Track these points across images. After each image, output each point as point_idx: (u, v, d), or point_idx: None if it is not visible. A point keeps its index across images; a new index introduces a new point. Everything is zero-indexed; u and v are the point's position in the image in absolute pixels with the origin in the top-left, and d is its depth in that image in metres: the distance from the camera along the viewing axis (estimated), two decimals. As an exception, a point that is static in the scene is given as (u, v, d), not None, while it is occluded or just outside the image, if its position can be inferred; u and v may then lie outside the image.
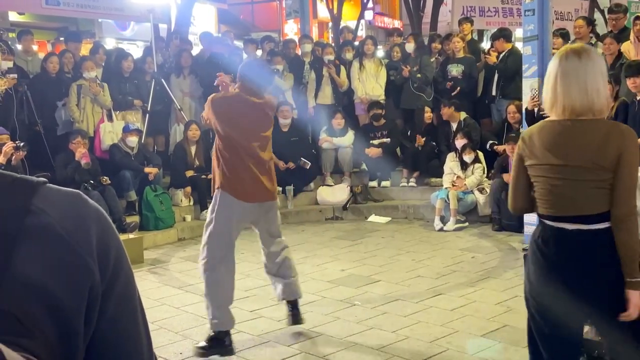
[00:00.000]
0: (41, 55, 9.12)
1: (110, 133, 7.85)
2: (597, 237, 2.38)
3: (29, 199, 0.83)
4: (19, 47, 8.94)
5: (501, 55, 8.64)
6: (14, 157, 6.18)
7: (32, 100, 7.61)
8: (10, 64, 7.43)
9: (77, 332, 0.85)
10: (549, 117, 6.55)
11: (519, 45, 8.29)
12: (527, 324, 2.62)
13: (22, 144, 6.31)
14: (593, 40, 7.96)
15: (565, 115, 2.42)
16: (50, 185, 0.88)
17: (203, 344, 4.12)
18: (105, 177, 7.27)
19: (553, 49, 7.53)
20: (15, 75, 7.36)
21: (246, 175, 4.16)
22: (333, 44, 11.87)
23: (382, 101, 9.16)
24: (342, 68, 9.34)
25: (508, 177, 7.47)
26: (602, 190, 2.38)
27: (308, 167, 8.70)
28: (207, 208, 7.90)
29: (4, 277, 0.78)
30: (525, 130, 2.57)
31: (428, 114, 8.79)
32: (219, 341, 4.09)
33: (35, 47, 10.05)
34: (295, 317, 4.46)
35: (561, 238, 2.42)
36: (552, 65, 2.48)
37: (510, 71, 8.19)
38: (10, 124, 7.19)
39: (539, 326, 2.53)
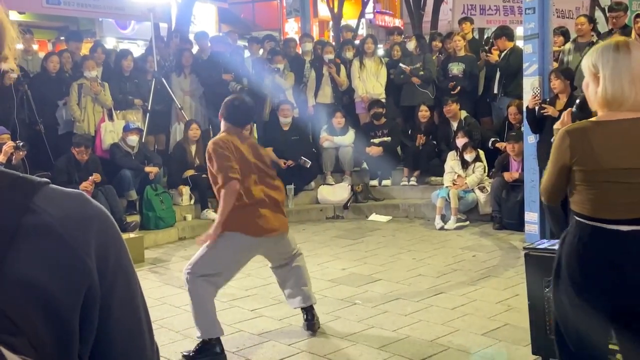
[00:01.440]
0: (41, 54, 9.11)
1: (111, 132, 7.85)
2: None
3: (30, 198, 0.84)
4: (20, 46, 8.93)
5: (503, 54, 8.63)
6: (14, 156, 6.18)
7: (33, 99, 7.61)
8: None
9: (73, 332, 0.85)
10: (548, 113, 6.43)
11: (519, 43, 8.27)
12: (553, 330, 2.55)
13: (21, 143, 6.31)
14: (594, 39, 7.94)
15: (620, 111, 2.32)
16: (53, 185, 0.88)
17: (190, 352, 4.06)
18: (97, 174, 7.21)
19: (554, 47, 7.54)
20: (16, 75, 7.36)
21: (261, 209, 4.10)
22: (334, 43, 11.87)
23: (382, 100, 9.15)
24: (342, 67, 9.34)
25: (509, 176, 7.48)
26: None
27: (308, 166, 8.70)
28: (207, 207, 7.96)
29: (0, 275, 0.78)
30: (570, 130, 2.41)
31: (425, 113, 8.76)
32: (209, 349, 4.02)
33: (35, 47, 10.06)
34: (309, 323, 4.44)
35: (617, 240, 2.35)
36: (598, 59, 2.36)
37: (512, 69, 8.18)
38: (11, 124, 7.19)
39: (574, 330, 2.47)
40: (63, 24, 14.92)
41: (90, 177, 7.12)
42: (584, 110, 2.82)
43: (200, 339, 4.04)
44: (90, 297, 0.87)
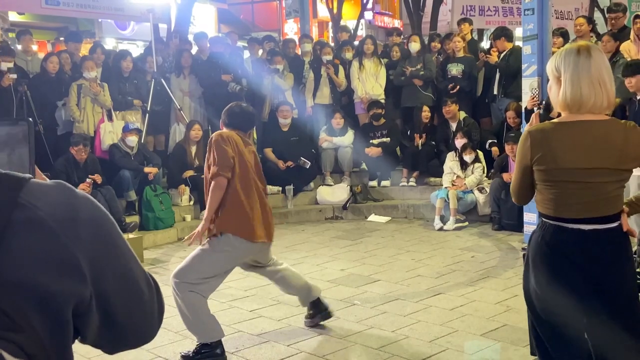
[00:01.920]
0: (41, 55, 9.12)
1: (110, 133, 7.85)
2: (611, 235, 2.41)
3: (17, 193, 0.85)
4: (19, 47, 8.94)
5: (502, 54, 8.63)
6: (13, 157, 6.17)
7: (32, 100, 7.61)
8: (10, 65, 7.43)
9: (67, 321, 0.88)
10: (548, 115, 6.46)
11: (518, 44, 8.28)
12: (530, 327, 2.61)
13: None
14: (593, 40, 7.96)
15: (581, 113, 2.38)
16: (35, 179, 0.90)
17: (189, 352, 4.03)
18: (97, 175, 7.23)
19: (553, 48, 7.54)
20: (15, 75, 7.37)
21: (258, 214, 4.08)
22: (333, 44, 11.87)
23: (382, 101, 9.16)
24: (341, 68, 9.34)
25: (508, 177, 7.48)
26: (621, 189, 2.44)
27: (308, 167, 8.71)
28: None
29: None
30: (531, 131, 2.46)
31: (427, 114, 8.78)
32: (210, 351, 3.98)
33: (35, 47, 10.06)
34: (320, 314, 4.50)
35: (578, 239, 2.40)
36: (561, 63, 2.42)
37: (512, 70, 8.18)
38: (10, 124, 7.18)
39: (547, 326, 2.52)
40: (62, 25, 14.92)
41: (88, 178, 7.12)
42: (550, 111, 2.87)
43: (200, 342, 4.02)
44: (83, 286, 0.90)
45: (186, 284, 3.99)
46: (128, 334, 1.02)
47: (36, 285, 0.84)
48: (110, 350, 1.04)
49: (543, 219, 2.51)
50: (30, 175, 0.90)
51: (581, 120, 2.39)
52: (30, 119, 1.07)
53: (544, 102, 3.30)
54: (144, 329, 1.04)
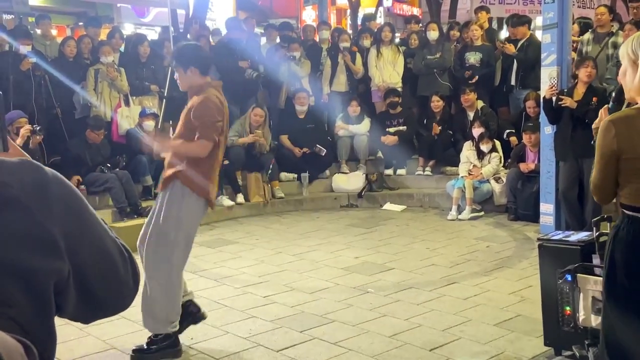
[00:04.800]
0: (59, 39, 9.16)
1: (127, 118, 7.89)
2: None
3: None
4: (38, 31, 8.99)
5: (519, 44, 8.53)
6: (31, 140, 6.23)
7: (51, 84, 7.66)
8: (28, 48, 7.48)
9: (49, 298, 0.89)
10: (565, 105, 6.35)
11: (538, 34, 8.18)
12: (606, 330, 2.49)
13: (38, 127, 6.36)
14: (614, 29, 7.84)
15: None
16: (0, 157, 0.91)
17: (142, 345, 3.92)
18: (123, 156, 7.34)
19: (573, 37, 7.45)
20: (34, 59, 7.42)
21: (215, 179, 4.01)
22: (351, 31, 11.81)
23: (399, 89, 9.11)
24: (358, 55, 9.29)
25: (525, 167, 7.43)
26: None
27: (323, 154, 8.70)
28: (222, 193, 7.99)
29: None
30: (614, 120, 2.38)
31: (437, 103, 8.69)
32: (171, 341, 3.90)
33: (54, 32, 10.11)
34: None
35: None
36: (638, 46, 2.33)
37: (530, 61, 8.09)
38: (29, 108, 7.24)
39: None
40: (81, 10, 14.98)
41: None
42: (621, 103, 2.78)
43: (159, 333, 3.89)
44: (61, 267, 0.91)
45: (178, 266, 3.96)
46: (104, 304, 1.04)
47: (16, 262, 0.85)
48: (87, 321, 1.07)
49: (631, 212, 2.39)
50: None
51: None
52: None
53: (613, 94, 3.17)
54: (120, 297, 1.06)
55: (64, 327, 4.10)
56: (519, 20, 8.79)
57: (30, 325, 0.84)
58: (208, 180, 3.89)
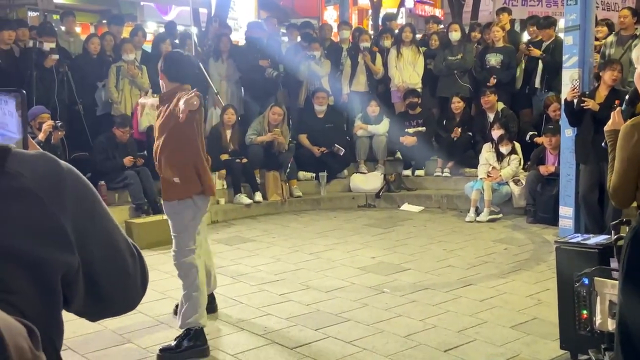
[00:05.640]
0: (83, 37, 9.27)
1: (147, 115, 7.94)
2: None
3: (3, 162, 0.87)
4: (62, 28, 9.10)
5: (544, 46, 8.45)
6: (53, 136, 6.32)
7: (73, 80, 7.75)
8: (52, 45, 7.58)
9: (56, 289, 0.90)
10: (588, 107, 6.29)
11: (561, 36, 8.11)
12: (618, 328, 2.47)
13: (60, 123, 6.45)
14: (638, 31, 7.74)
15: None
16: (18, 149, 0.92)
17: (169, 344, 3.95)
18: (140, 159, 7.41)
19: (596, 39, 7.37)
20: (57, 56, 7.51)
21: (207, 170, 4.14)
22: (372, 32, 11.78)
23: (418, 89, 9.08)
24: (378, 55, 9.29)
25: (545, 169, 7.37)
26: None
27: (342, 154, 8.70)
28: (240, 191, 8.03)
29: None
30: (637, 124, 2.39)
31: (458, 104, 8.64)
32: (199, 340, 3.94)
33: (78, 30, 10.22)
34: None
35: None
36: None
37: (556, 63, 8.00)
38: (51, 104, 7.34)
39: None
40: (105, 8, 15.14)
41: (139, 155, 7.43)
42: (635, 105, 2.75)
43: (189, 329, 3.95)
44: (70, 260, 0.92)
45: (194, 259, 4.09)
46: (111, 302, 1.04)
47: (25, 252, 0.85)
48: (93, 318, 1.07)
49: None
50: (14, 145, 0.92)
51: None
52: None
53: (627, 97, 3.14)
54: (128, 297, 1.06)
55: (81, 321, 4.17)
56: (546, 22, 8.70)
57: (33, 314, 0.84)
58: (200, 174, 4.01)
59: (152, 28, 14.64)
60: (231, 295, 4.95)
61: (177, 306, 4.28)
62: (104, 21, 12.69)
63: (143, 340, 4.13)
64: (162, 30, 12.28)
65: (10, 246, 0.85)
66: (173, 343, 3.93)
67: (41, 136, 6.21)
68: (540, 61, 8.43)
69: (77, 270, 0.93)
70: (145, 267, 1.10)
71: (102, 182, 7.10)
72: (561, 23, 9.59)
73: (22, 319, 0.68)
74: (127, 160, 7.26)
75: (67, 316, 0.96)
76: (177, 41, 9.07)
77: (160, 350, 3.90)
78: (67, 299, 0.94)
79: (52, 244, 0.89)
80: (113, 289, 1.02)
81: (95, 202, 0.99)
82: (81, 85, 7.90)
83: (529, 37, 9.26)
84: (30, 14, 12.98)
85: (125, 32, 9.64)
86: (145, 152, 7.60)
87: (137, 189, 7.16)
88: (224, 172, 8.11)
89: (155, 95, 8.23)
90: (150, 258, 5.75)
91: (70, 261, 0.92)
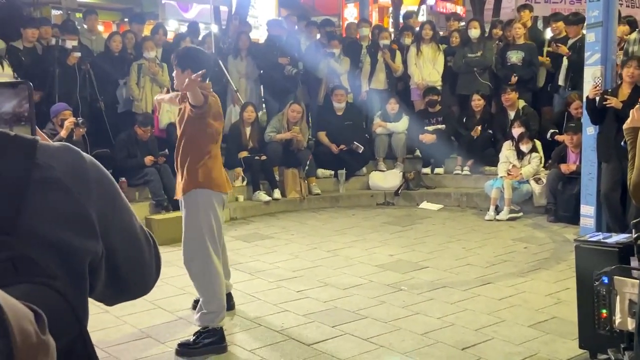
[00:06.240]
0: (105, 35, 9.36)
1: (168, 112, 8.00)
2: None
3: (33, 154, 0.90)
4: (84, 26, 9.19)
5: (569, 44, 8.35)
6: (74, 132, 6.39)
7: (95, 78, 7.83)
8: (75, 43, 7.66)
9: (85, 276, 0.93)
10: (610, 105, 6.24)
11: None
12: (638, 328, 2.44)
13: (81, 120, 6.52)
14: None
15: None
16: (43, 142, 0.96)
17: (188, 340, 3.96)
18: (162, 157, 7.47)
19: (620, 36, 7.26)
20: (79, 54, 7.59)
21: (220, 165, 4.17)
22: (392, 29, 11.74)
23: (438, 87, 9.04)
24: (398, 53, 9.25)
25: (566, 168, 7.30)
26: None
27: (361, 152, 8.69)
28: (259, 189, 8.06)
29: (17, 225, 0.85)
30: None
31: (478, 102, 8.58)
32: (217, 337, 3.94)
33: (101, 28, 10.32)
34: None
35: None
36: None
37: (582, 62, 7.90)
38: (74, 101, 7.42)
39: None
40: (127, 6, 15.25)
41: (160, 154, 7.47)
42: None
43: (209, 327, 3.95)
44: (96, 247, 0.96)
45: (211, 254, 4.09)
46: (129, 287, 1.09)
47: (58, 239, 0.89)
48: (111, 303, 1.12)
49: None
50: (38, 137, 0.95)
51: None
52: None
53: None
54: (144, 282, 1.11)
55: (101, 315, 4.22)
56: (575, 19, 8.58)
57: (73, 299, 0.89)
58: (214, 172, 4.04)
59: (173, 26, 14.72)
60: (249, 292, 4.97)
61: (195, 301, 4.31)
62: (126, 20, 12.79)
63: (162, 335, 4.16)
64: (183, 28, 12.38)
65: (49, 234, 0.88)
66: (191, 338, 3.96)
67: (63, 133, 6.28)
68: (565, 58, 8.33)
69: (101, 258, 0.97)
70: (159, 254, 1.14)
71: (123, 179, 7.16)
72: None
73: (29, 304, 0.69)
74: (148, 160, 7.31)
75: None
76: (199, 38, 9.12)
77: (179, 345, 3.93)
78: (91, 285, 0.98)
79: (82, 232, 0.93)
80: (131, 275, 1.07)
81: (116, 192, 1.04)
82: (102, 82, 7.98)
83: (552, 34, 9.15)
84: (54, 12, 13.13)
85: (147, 30, 9.72)
86: (167, 150, 7.65)
87: (157, 186, 7.22)
88: (240, 169, 8.12)
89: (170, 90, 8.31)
90: (170, 254, 5.78)
91: (96, 249, 0.95)
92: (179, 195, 4.12)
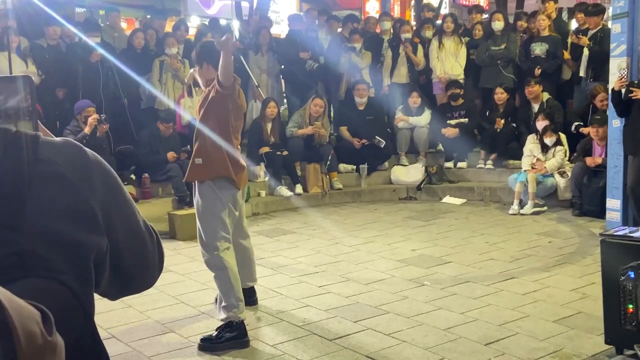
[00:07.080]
0: (128, 32, 9.42)
1: (190, 108, 8.04)
2: None
3: (37, 149, 0.90)
4: (107, 23, 9.27)
5: (590, 34, 8.22)
6: (98, 129, 6.45)
7: (118, 74, 7.89)
8: (97, 40, 7.72)
9: (90, 270, 0.93)
10: (636, 97, 6.16)
11: (609, 24, 7.87)
12: None
13: (104, 117, 6.58)
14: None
15: None
16: (45, 137, 0.96)
17: (210, 334, 3.96)
18: (183, 154, 7.51)
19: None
20: (101, 51, 7.66)
21: (239, 157, 4.11)
22: (414, 22, 11.66)
23: (461, 81, 8.96)
24: (420, 47, 9.19)
25: (591, 161, 7.19)
26: None
27: (382, 146, 8.65)
28: (281, 184, 8.07)
29: (22, 220, 0.85)
30: None
31: (501, 95, 8.48)
32: (239, 332, 3.93)
33: (124, 25, 10.39)
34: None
35: None
36: None
37: (604, 54, 7.77)
38: (97, 98, 7.49)
39: None
40: (149, 3, 15.33)
41: (170, 152, 7.44)
42: None
43: (230, 320, 3.95)
44: (101, 242, 0.96)
45: (228, 247, 4.08)
46: (132, 281, 1.09)
47: (63, 234, 0.89)
48: (114, 298, 1.11)
49: None
50: (40, 133, 0.95)
51: None
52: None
53: None
54: (147, 276, 1.11)
55: (125, 310, 4.26)
56: (594, 9, 8.44)
57: (80, 294, 0.90)
58: (229, 161, 3.98)
59: (195, 22, 14.77)
60: (271, 287, 4.98)
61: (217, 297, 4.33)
62: (148, 16, 12.86)
63: (185, 330, 4.19)
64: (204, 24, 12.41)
65: (54, 229, 0.89)
66: (214, 333, 3.98)
67: (87, 129, 6.34)
68: (585, 49, 8.21)
69: (106, 252, 0.97)
70: (162, 249, 1.14)
71: (146, 175, 7.22)
72: (610, 11, 9.31)
73: (36, 304, 0.69)
74: (170, 156, 7.37)
75: (111, 305, 0.99)
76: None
77: (202, 340, 3.95)
78: (96, 280, 0.98)
79: (86, 227, 0.93)
80: (135, 269, 1.07)
81: (119, 187, 1.04)
82: (125, 79, 8.04)
83: (577, 26, 9.02)
84: (77, 10, 13.24)
85: (168, 27, 9.77)
86: (189, 147, 7.68)
87: (180, 182, 7.27)
88: (262, 165, 8.14)
89: (196, 88, 8.33)
90: (192, 250, 5.83)
91: (101, 243, 0.96)
92: (191, 178, 4.09)
